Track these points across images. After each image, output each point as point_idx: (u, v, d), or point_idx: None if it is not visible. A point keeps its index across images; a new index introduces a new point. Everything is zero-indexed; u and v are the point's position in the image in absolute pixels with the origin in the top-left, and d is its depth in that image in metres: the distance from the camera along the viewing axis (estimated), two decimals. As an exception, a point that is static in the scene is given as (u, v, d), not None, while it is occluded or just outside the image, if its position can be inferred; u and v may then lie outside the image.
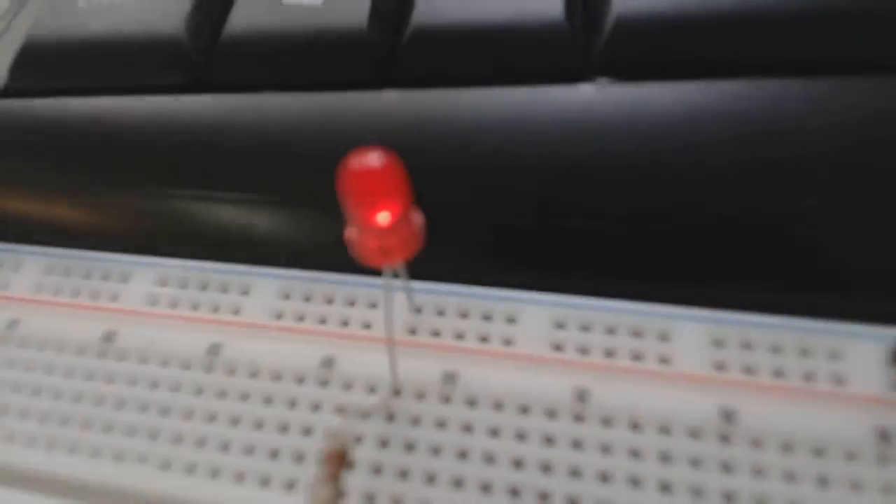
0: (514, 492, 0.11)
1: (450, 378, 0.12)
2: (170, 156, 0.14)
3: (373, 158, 0.08)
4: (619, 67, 0.14)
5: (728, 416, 0.11)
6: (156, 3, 0.16)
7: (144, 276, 0.14)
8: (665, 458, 0.11)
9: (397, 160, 0.09)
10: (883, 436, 0.10)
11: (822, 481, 0.10)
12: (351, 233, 0.09)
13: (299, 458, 0.11)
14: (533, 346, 0.12)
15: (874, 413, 0.11)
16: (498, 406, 0.12)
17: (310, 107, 0.14)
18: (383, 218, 0.09)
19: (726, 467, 0.10)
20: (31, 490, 0.12)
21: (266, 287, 0.13)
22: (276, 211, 0.14)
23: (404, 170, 0.09)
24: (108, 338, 0.13)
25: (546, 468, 0.11)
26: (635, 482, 0.11)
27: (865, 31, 0.13)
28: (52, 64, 0.15)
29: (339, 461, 0.08)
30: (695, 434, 0.11)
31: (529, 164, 0.13)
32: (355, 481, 0.11)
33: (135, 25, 0.16)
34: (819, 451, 0.10)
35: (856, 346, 0.11)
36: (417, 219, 0.09)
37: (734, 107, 0.12)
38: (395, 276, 0.11)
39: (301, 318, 0.13)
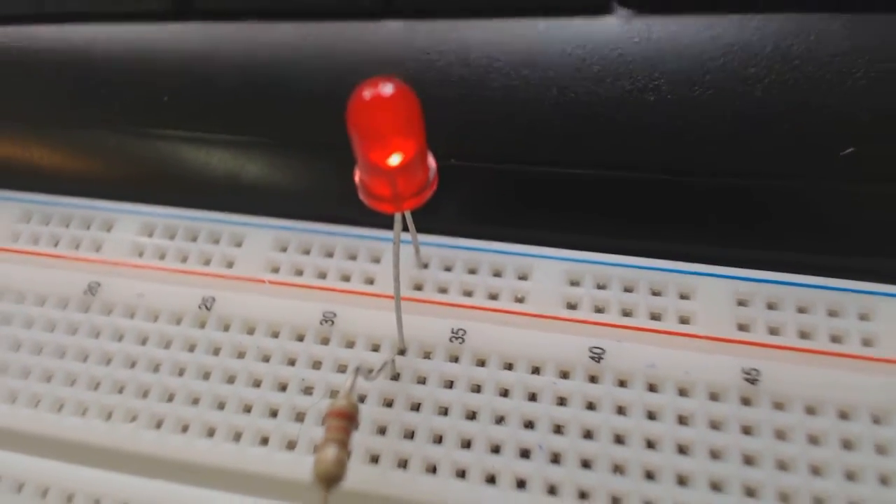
0: (525, 453, 0.10)
1: (458, 337, 0.11)
2: (153, 91, 0.13)
3: (387, 89, 0.08)
4: None
5: (752, 378, 0.10)
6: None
7: (129, 225, 0.13)
8: (684, 419, 0.10)
9: (413, 93, 0.08)
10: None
11: (847, 445, 0.10)
12: (360, 175, 0.09)
13: (299, 416, 0.11)
14: (546, 305, 0.11)
15: None
16: (509, 366, 0.11)
17: (303, 38, 0.13)
18: (397, 158, 0.08)
19: (747, 430, 0.10)
20: (13, 449, 0.11)
21: (260, 238, 0.13)
22: (269, 154, 0.13)
23: (420, 104, 0.08)
24: (92, 290, 0.12)
25: (558, 429, 0.10)
26: (651, 444, 0.10)
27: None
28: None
29: (347, 423, 0.08)
30: (716, 396, 0.10)
31: (547, 105, 0.12)
32: (360, 441, 0.10)
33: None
34: (845, 415, 0.10)
35: (890, 306, 0.11)
36: (431, 162, 0.09)
37: (771, 44, 0.12)
38: (405, 227, 0.10)
39: (299, 273, 0.12)
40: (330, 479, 0.07)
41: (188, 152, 0.13)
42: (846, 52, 0.12)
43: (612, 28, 0.12)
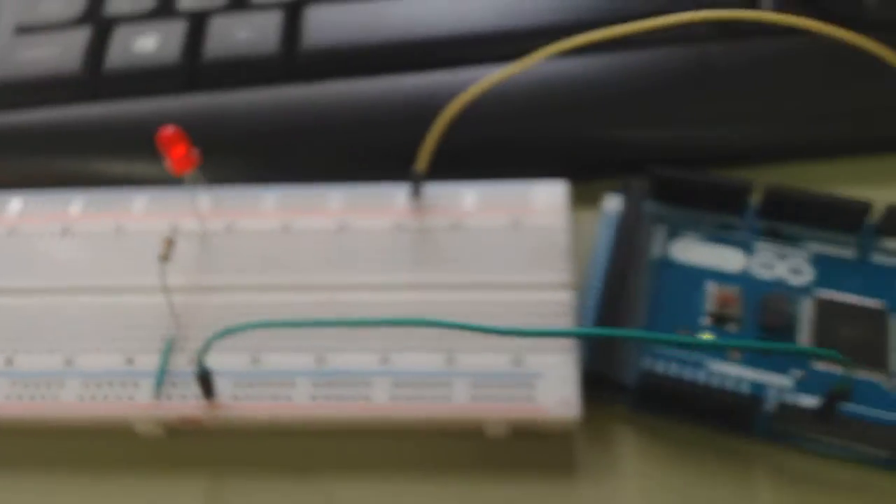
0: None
1: (229, 228, 0.26)
2: (85, 139, 0.28)
3: (169, 129, 0.22)
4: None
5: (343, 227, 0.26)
6: (57, 49, 0.29)
7: (79, 199, 0.27)
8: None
9: (181, 130, 0.23)
10: (399, 226, 0.25)
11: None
12: (167, 163, 0.23)
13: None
14: (271, 208, 0.26)
15: (401, 215, 0.26)
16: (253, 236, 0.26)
17: (155, 108, 0.27)
18: (177, 152, 0.23)
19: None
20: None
21: (143, 198, 0.27)
22: (148, 163, 0.27)
23: (185, 134, 0.23)
24: (66, 231, 0.27)
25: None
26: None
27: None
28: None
29: (169, 241, 0.23)
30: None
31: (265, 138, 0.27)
32: (185, 262, 0.25)
33: (42, 65, 0.29)
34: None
35: (397, 192, 0.26)
36: (195, 153, 0.23)
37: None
38: (196, 181, 0.25)
39: (162, 210, 0.27)
40: (164, 256, 0.22)
41: (103, 168, 0.28)
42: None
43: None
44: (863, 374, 0.22)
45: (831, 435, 0.20)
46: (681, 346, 0.22)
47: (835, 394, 0.19)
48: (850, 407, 0.21)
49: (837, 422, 0.20)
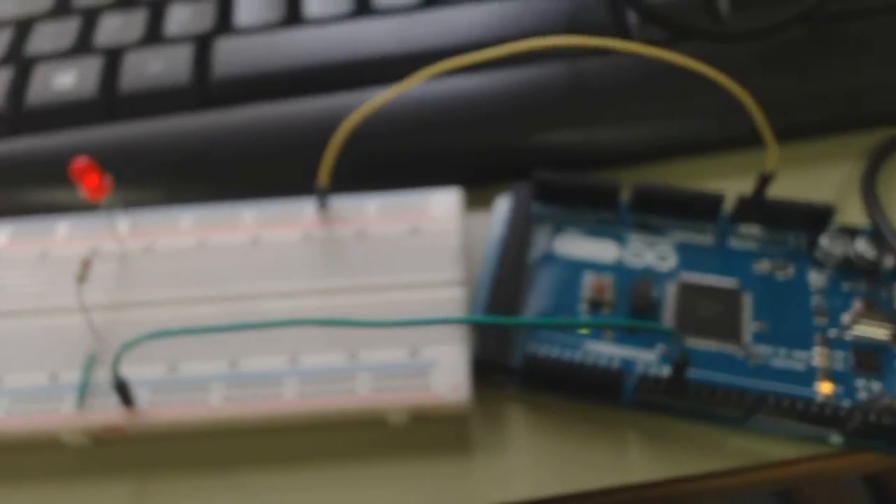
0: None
1: (148, 248, 0.28)
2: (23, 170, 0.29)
3: (82, 160, 0.24)
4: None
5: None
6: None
7: (7, 229, 0.29)
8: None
9: (92, 160, 0.24)
10: (308, 236, 0.27)
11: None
12: (81, 191, 0.25)
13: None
14: (188, 226, 0.28)
15: (309, 227, 0.28)
16: (174, 256, 0.28)
17: (75, 140, 0.29)
18: (90, 181, 0.24)
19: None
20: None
21: (63, 224, 0.29)
22: (69, 191, 0.29)
23: (96, 163, 0.24)
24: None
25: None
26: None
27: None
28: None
29: (86, 263, 0.24)
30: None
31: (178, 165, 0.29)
32: (102, 283, 0.27)
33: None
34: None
35: (305, 206, 0.28)
36: (108, 181, 0.25)
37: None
38: (113, 206, 0.27)
39: (84, 235, 0.28)
40: (80, 277, 0.24)
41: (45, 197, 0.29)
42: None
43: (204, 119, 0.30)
44: (719, 346, 0.25)
45: (684, 399, 0.23)
46: (556, 327, 0.25)
47: (677, 363, 0.22)
48: (708, 374, 0.24)
49: (688, 388, 0.23)
